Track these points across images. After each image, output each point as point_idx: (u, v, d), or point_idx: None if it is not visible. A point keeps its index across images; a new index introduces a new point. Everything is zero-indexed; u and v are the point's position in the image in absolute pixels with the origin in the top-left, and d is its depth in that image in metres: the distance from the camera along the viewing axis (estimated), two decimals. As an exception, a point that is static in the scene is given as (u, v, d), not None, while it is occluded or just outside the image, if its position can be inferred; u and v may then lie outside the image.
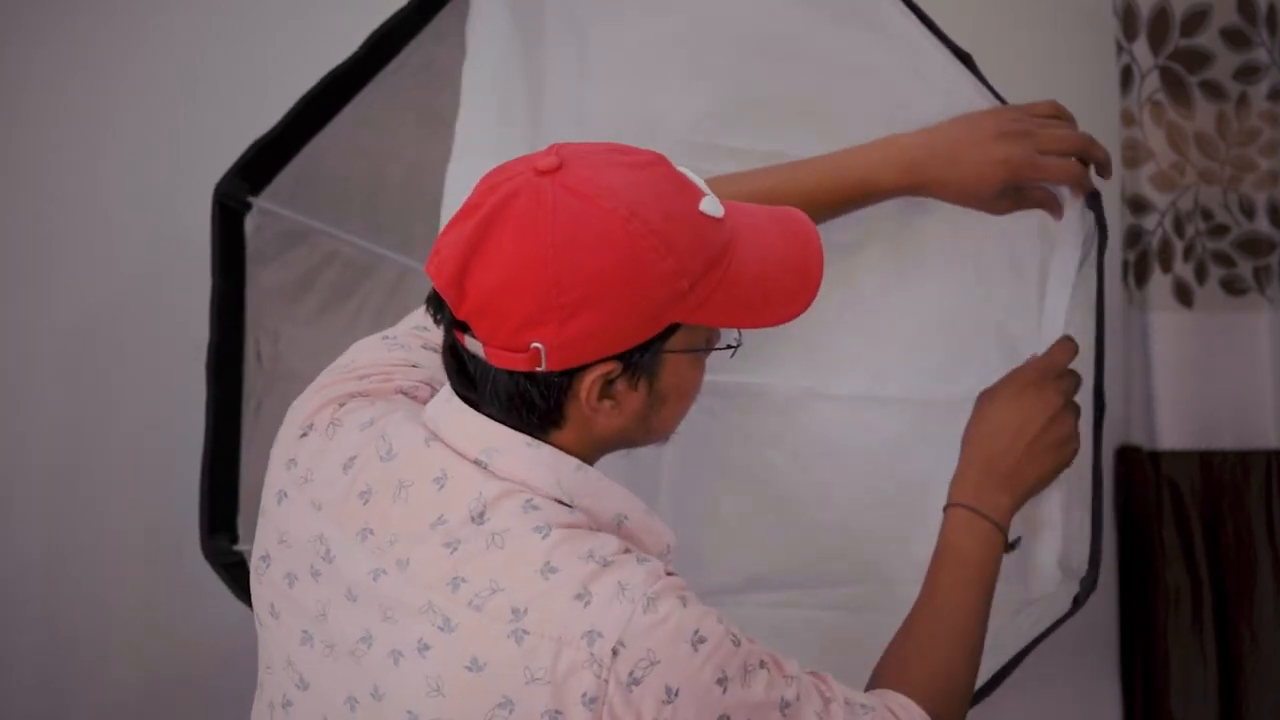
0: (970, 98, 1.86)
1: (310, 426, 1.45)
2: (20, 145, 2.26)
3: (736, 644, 1.30)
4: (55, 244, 2.27)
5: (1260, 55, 2.48)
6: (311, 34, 2.29)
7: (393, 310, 2.12)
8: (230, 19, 2.32)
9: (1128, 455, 2.54)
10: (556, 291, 1.29)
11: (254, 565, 1.44)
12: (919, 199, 1.95)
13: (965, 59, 1.86)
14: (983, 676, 1.82)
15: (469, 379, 1.37)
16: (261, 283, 2.13)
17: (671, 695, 1.26)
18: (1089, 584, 1.77)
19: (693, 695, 1.27)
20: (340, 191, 2.14)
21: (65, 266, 2.27)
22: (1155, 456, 2.49)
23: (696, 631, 1.28)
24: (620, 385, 1.35)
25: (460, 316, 1.33)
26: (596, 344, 1.32)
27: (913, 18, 1.86)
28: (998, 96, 1.84)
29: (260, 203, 2.10)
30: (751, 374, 2.03)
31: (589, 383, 1.33)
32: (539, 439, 1.37)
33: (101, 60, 2.28)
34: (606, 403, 1.35)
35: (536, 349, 1.30)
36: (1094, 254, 1.82)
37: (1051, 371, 1.67)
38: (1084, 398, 1.82)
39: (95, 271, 2.28)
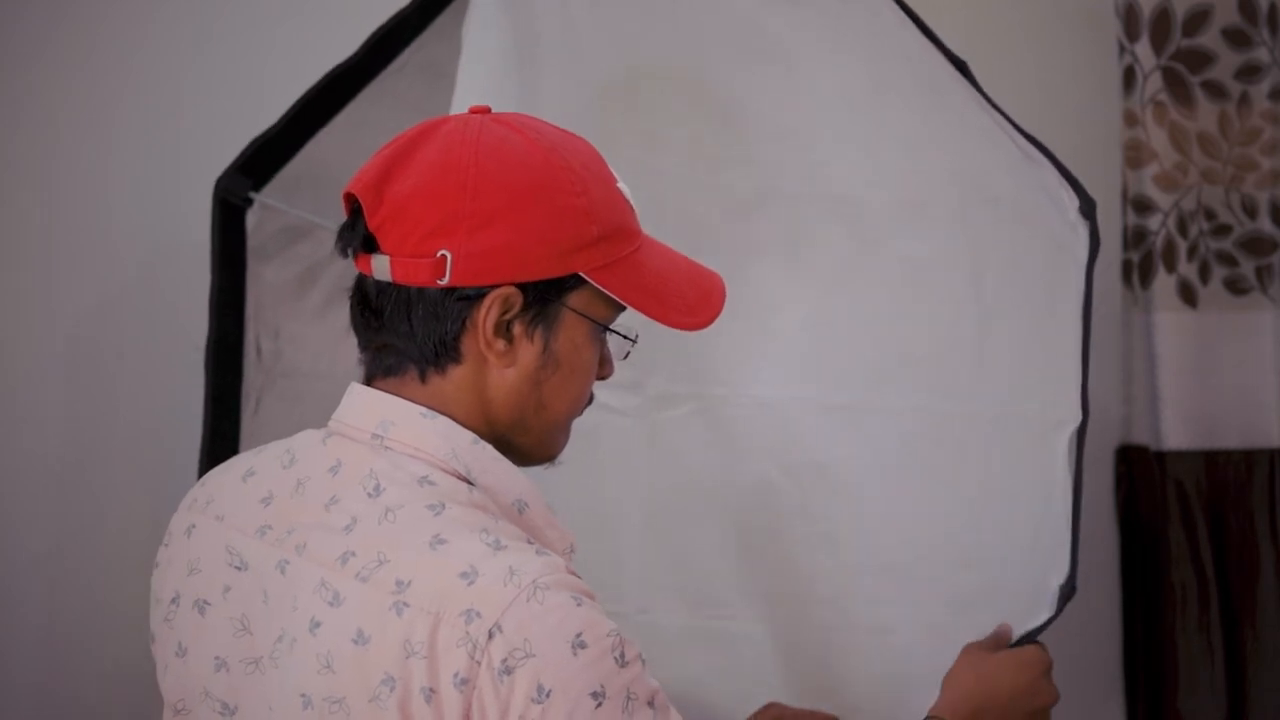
0: (966, 105, 1.85)
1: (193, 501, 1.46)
2: (21, 143, 2.25)
3: (621, 664, 1.24)
4: (56, 242, 2.26)
5: (1261, 55, 2.49)
6: (312, 33, 2.28)
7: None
8: (230, 18, 2.32)
9: (1131, 455, 2.54)
10: (471, 197, 1.31)
11: (161, 615, 1.42)
12: (917, 212, 1.95)
13: (960, 66, 1.85)
14: None
15: (372, 312, 1.36)
16: (264, 278, 2.12)
17: (542, 695, 1.21)
18: (1068, 590, 1.77)
19: (564, 701, 1.21)
20: (341, 189, 2.13)
21: (66, 264, 2.26)
22: (1160, 456, 2.49)
23: (579, 635, 1.23)
24: (518, 327, 1.34)
25: (373, 225, 1.33)
26: (501, 263, 1.32)
27: (909, 24, 1.86)
28: (993, 104, 1.84)
29: (261, 199, 2.10)
30: (750, 385, 2.03)
31: (488, 304, 1.32)
32: (434, 375, 1.35)
33: (102, 59, 2.27)
34: (501, 343, 1.34)
35: (443, 256, 1.31)
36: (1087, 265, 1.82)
37: (1049, 668, 1.74)
38: (1070, 404, 1.82)
39: (96, 269, 2.27)
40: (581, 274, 1.35)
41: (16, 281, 2.26)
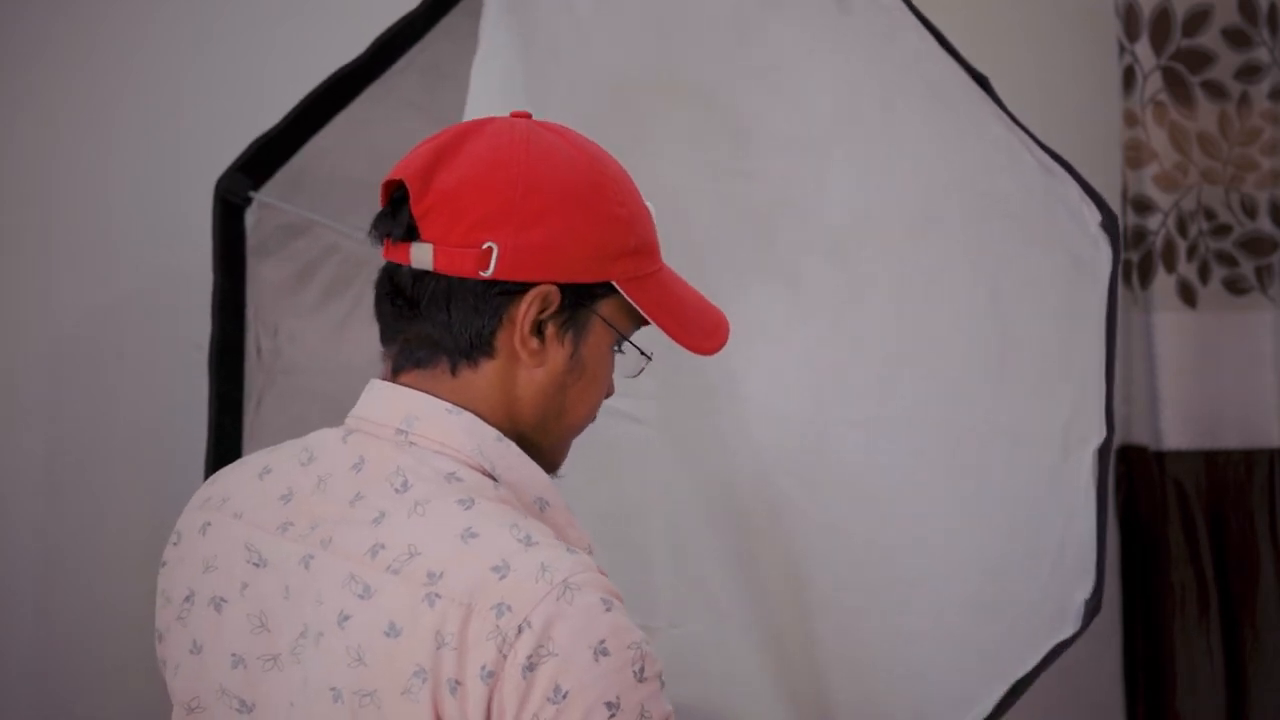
0: (985, 120, 1.85)
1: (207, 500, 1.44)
2: (22, 143, 2.26)
3: (639, 679, 1.24)
4: (56, 245, 2.26)
5: (1261, 55, 2.49)
6: (312, 34, 2.29)
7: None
8: (230, 18, 2.32)
9: (1131, 455, 2.54)
10: (523, 193, 1.33)
11: (173, 613, 1.41)
12: (933, 225, 1.94)
13: (981, 81, 1.85)
14: (990, 699, 1.81)
15: (406, 301, 1.36)
16: (262, 277, 2.13)
17: (559, 696, 1.21)
18: (1094, 605, 1.77)
19: (580, 705, 1.21)
20: (342, 187, 2.13)
21: (66, 267, 2.26)
22: (1160, 456, 2.49)
23: (603, 641, 1.23)
24: (551, 328, 1.35)
25: (418, 211, 1.34)
26: (545, 261, 1.33)
27: (928, 38, 1.86)
28: (1014, 119, 1.83)
29: (261, 197, 2.10)
30: (769, 397, 2.02)
31: (529, 301, 1.33)
32: (466, 368, 1.36)
33: (102, 59, 2.28)
34: (534, 342, 1.35)
35: (489, 248, 1.32)
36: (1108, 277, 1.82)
37: None
38: (1092, 418, 1.82)
39: (96, 272, 2.27)
40: (614, 283, 1.37)
41: (16, 281, 2.26)
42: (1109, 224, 1.79)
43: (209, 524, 1.40)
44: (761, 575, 2.03)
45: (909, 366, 1.96)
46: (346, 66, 2.07)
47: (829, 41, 1.93)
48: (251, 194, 2.10)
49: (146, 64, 2.30)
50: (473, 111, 1.84)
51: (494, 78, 1.89)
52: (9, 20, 2.26)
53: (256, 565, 1.36)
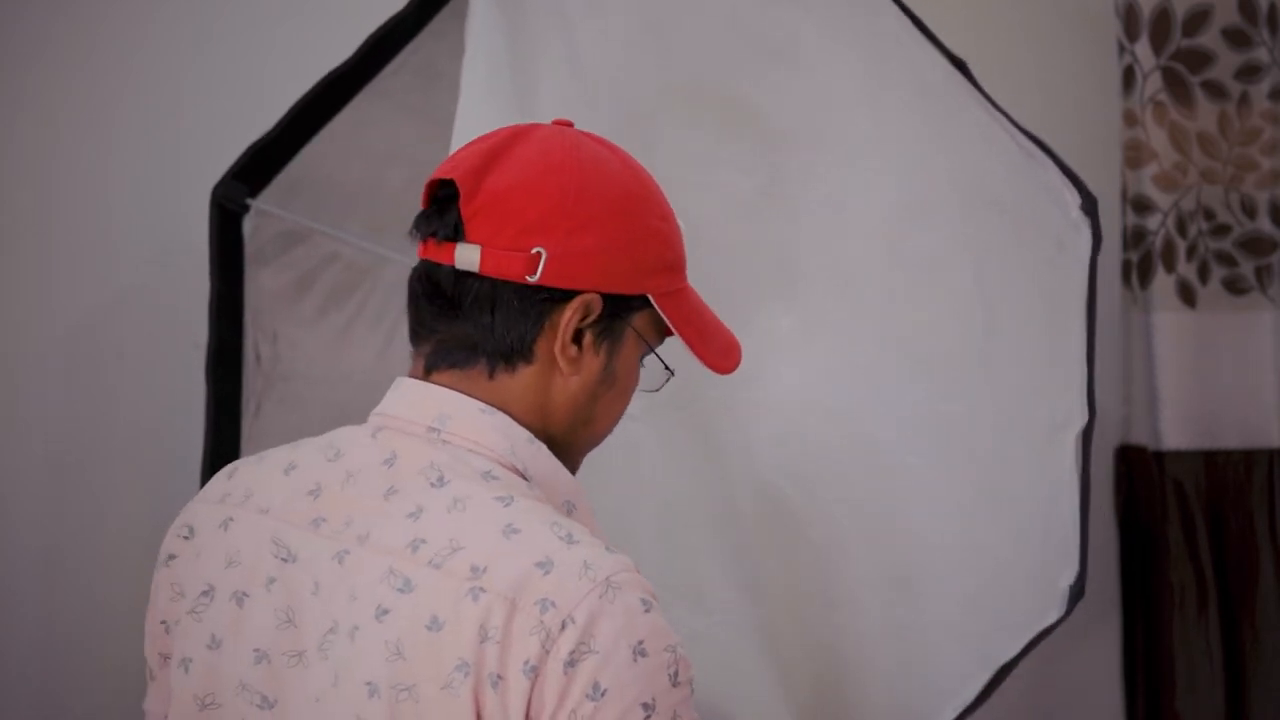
0: (966, 105, 1.85)
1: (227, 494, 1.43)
2: (20, 146, 2.26)
3: (674, 683, 1.26)
4: (55, 245, 2.26)
5: (1261, 55, 2.49)
6: (311, 34, 2.29)
7: (392, 311, 2.11)
8: (230, 19, 2.32)
9: (1130, 455, 2.54)
10: (574, 201, 1.34)
11: (186, 608, 1.39)
12: (919, 214, 1.94)
13: (960, 65, 1.85)
14: (975, 684, 1.82)
15: (446, 301, 1.36)
16: (261, 284, 2.12)
17: (597, 693, 1.22)
18: (1077, 590, 1.77)
19: (618, 704, 1.23)
20: (339, 192, 2.13)
21: (65, 267, 2.27)
22: (1159, 456, 2.49)
23: (641, 642, 1.25)
24: (589, 337, 1.36)
25: (467, 211, 1.35)
26: (590, 269, 1.35)
27: (909, 24, 1.86)
28: (993, 103, 1.84)
29: (258, 204, 2.10)
30: (755, 388, 2.02)
31: (572, 309, 1.34)
32: (504, 372, 1.36)
33: (102, 59, 2.28)
34: (573, 349, 1.36)
35: (537, 253, 1.33)
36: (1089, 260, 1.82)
37: None
38: (1074, 403, 1.82)
39: (95, 272, 2.27)
40: (649, 296, 1.38)
41: (16, 281, 2.27)
42: (1089, 206, 1.80)
43: (231, 519, 1.40)
44: (747, 566, 2.03)
45: (895, 356, 1.97)
46: (338, 69, 2.07)
47: (817, 33, 1.93)
48: (249, 201, 2.10)
49: (146, 64, 2.30)
50: (465, 115, 1.84)
51: (481, 80, 1.89)
52: (9, 20, 2.26)
53: (285, 560, 1.35)
